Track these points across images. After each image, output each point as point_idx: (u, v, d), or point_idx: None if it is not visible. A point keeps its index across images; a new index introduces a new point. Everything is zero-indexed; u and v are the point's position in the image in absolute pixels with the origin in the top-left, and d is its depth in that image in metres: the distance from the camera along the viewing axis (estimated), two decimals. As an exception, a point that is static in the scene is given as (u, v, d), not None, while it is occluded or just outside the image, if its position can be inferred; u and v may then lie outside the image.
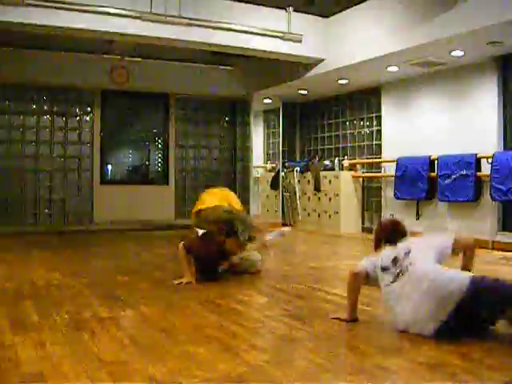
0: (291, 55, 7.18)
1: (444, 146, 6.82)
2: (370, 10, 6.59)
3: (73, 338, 2.58)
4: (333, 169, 8.57)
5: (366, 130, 8.50)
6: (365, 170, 8.47)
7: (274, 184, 9.44)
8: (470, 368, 2.21)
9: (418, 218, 7.13)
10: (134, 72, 8.50)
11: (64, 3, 5.66)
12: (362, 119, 8.58)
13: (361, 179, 8.42)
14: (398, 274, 2.73)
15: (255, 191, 9.82)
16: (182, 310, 3.20)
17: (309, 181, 8.82)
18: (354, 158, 8.62)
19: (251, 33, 6.71)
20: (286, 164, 9.57)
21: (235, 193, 5.41)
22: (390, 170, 7.73)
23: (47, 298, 3.45)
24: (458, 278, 2.60)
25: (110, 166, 9.19)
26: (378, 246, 3.16)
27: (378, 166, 8.19)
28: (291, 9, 6.94)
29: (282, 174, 9.42)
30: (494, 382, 2.06)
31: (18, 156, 8.23)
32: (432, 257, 2.78)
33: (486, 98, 6.42)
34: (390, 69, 6.96)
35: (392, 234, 3.12)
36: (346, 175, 8.28)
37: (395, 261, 2.79)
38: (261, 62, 8.57)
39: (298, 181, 9.03)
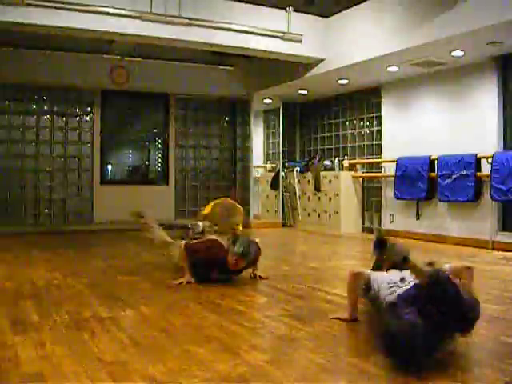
0: (291, 55, 7.18)
1: (444, 146, 6.82)
2: (370, 10, 6.59)
3: (73, 338, 2.58)
4: (333, 169, 8.57)
5: (366, 129, 8.50)
6: (365, 170, 8.47)
7: (274, 184, 9.44)
8: (470, 368, 2.21)
9: (418, 218, 7.13)
10: (133, 72, 8.49)
11: (64, 3, 5.66)
12: (362, 119, 8.58)
13: (361, 179, 8.42)
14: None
15: (255, 191, 9.82)
16: (182, 310, 3.20)
17: (309, 181, 8.82)
18: (354, 158, 8.62)
19: (251, 33, 6.71)
20: (286, 164, 9.57)
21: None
22: (390, 170, 7.73)
23: (47, 298, 3.45)
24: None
25: (109, 166, 9.19)
26: (386, 268, 2.92)
27: (378, 166, 8.19)
28: (291, 9, 6.94)
29: (282, 173, 9.42)
30: (494, 382, 2.06)
31: (18, 156, 8.24)
32: None
33: (486, 98, 6.42)
34: (390, 69, 6.96)
35: (396, 260, 2.95)
36: (346, 175, 8.28)
37: (403, 280, 2.65)
38: (261, 62, 8.58)
39: (298, 181, 9.03)
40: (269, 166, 10.11)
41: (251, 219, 9.19)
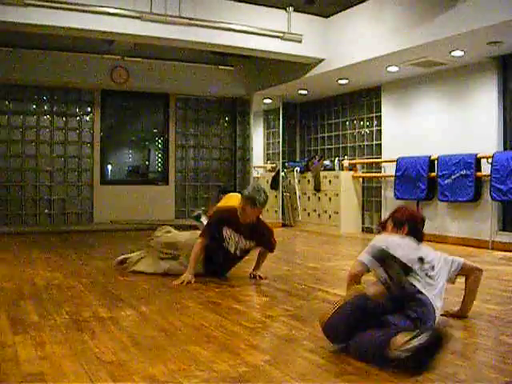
0: (291, 55, 7.18)
1: (444, 146, 6.82)
2: (370, 10, 6.59)
3: (73, 338, 2.58)
4: (333, 169, 8.57)
5: (366, 129, 8.51)
6: (365, 170, 8.47)
7: (274, 184, 9.44)
8: (470, 368, 2.21)
9: (418, 218, 7.12)
10: (133, 72, 8.50)
11: (64, 3, 5.66)
12: (362, 119, 8.59)
13: (361, 179, 8.42)
14: (426, 283, 2.51)
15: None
16: (182, 310, 3.19)
17: (309, 181, 8.83)
18: (354, 158, 8.62)
19: (251, 33, 6.72)
20: (286, 164, 9.58)
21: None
22: (390, 169, 7.73)
23: (47, 298, 3.45)
24: None
25: (109, 166, 9.20)
26: (397, 228, 2.83)
27: (378, 166, 8.20)
28: (291, 9, 6.94)
29: (281, 173, 9.42)
30: (494, 382, 2.06)
31: (17, 156, 8.24)
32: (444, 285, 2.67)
33: (486, 98, 6.42)
34: (390, 69, 6.96)
35: (421, 227, 2.89)
36: (346, 175, 8.28)
37: (421, 261, 2.56)
38: (261, 62, 8.58)
39: (298, 181, 9.03)
40: (269, 166, 10.11)
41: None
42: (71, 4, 5.70)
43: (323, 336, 2.50)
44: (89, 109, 8.73)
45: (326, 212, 8.43)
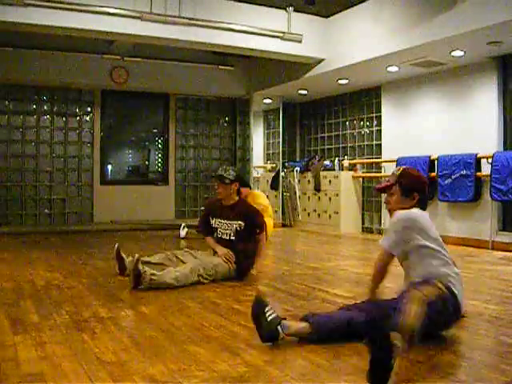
0: (291, 55, 7.18)
1: (444, 146, 6.82)
2: (370, 10, 6.59)
3: (73, 338, 2.58)
4: (333, 169, 8.57)
5: (366, 129, 8.51)
6: (365, 170, 8.47)
7: (274, 184, 9.44)
8: (470, 368, 2.21)
9: (418, 218, 7.12)
10: (133, 72, 8.49)
11: (64, 3, 5.66)
12: (362, 119, 8.58)
13: (361, 179, 8.42)
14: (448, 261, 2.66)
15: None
16: (182, 310, 3.19)
17: (309, 181, 8.82)
18: (354, 158, 8.62)
19: (251, 33, 6.71)
20: (286, 164, 9.57)
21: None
22: (389, 170, 7.73)
23: (47, 298, 3.45)
24: None
25: (109, 166, 9.20)
26: (405, 195, 2.77)
27: (378, 166, 8.20)
28: (291, 9, 6.94)
29: (281, 174, 9.42)
30: (494, 382, 2.06)
31: (17, 156, 8.24)
32: None
33: (486, 98, 6.42)
34: (390, 69, 6.95)
35: (427, 192, 2.87)
36: (346, 175, 8.28)
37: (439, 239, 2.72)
38: (261, 62, 8.58)
39: (298, 181, 9.03)
40: (269, 166, 10.11)
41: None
42: (71, 4, 5.69)
43: (325, 336, 2.50)
44: (89, 109, 8.73)
45: (325, 212, 8.43)
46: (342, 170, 8.42)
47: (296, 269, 4.83)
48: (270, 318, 2.53)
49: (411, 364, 2.20)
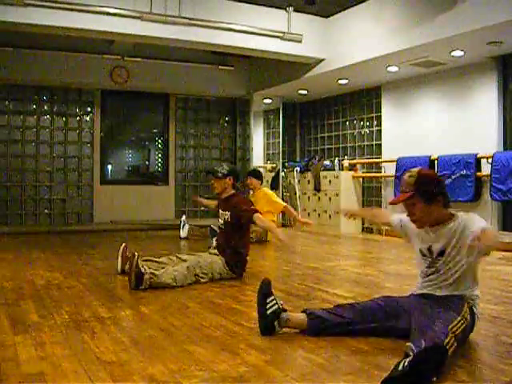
0: (291, 55, 7.18)
1: (444, 146, 6.82)
2: (370, 10, 6.59)
3: (73, 338, 2.58)
4: (333, 169, 8.57)
5: (366, 129, 8.51)
6: (365, 170, 8.47)
7: (274, 184, 9.44)
8: (470, 368, 2.21)
9: (417, 218, 7.12)
10: (133, 72, 8.50)
11: (64, 3, 5.66)
12: (362, 119, 8.59)
13: (361, 179, 8.42)
14: None
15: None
16: (182, 309, 3.19)
17: (309, 181, 8.83)
18: (354, 158, 8.63)
19: (251, 33, 6.72)
20: (286, 164, 9.57)
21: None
22: (390, 169, 7.73)
23: (47, 298, 3.45)
24: None
25: (109, 166, 9.20)
26: (430, 202, 2.50)
27: (378, 166, 8.20)
28: (291, 9, 6.94)
29: (282, 173, 9.42)
30: (494, 382, 2.06)
31: (17, 156, 8.24)
32: None
33: (486, 98, 6.42)
34: (390, 69, 6.96)
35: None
36: (346, 175, 8.28)
37: (430, 251, 2.62)
38: (261, 62, 8.58)
39: (298, 181, 9.04)
40: (269, 166, 10.11)
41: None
42: (71, 4, 5.70)
43: (323, 336, 2.50)
44: (89, 109, 8.73)
45: (325, 212, 8.43)
46: (342, 169, 8.42)
47: (296, 269, 4.83)
48: (270, 311, 2.55)
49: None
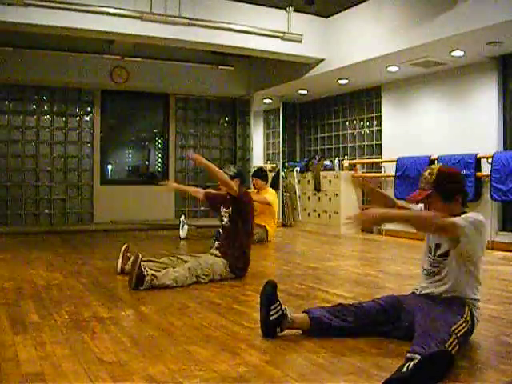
0: (291, 55, 7.18)
1: (444, 146, 6.82)
2: (370, 10, 6.59)
3: (73, 338, 2.58)
4: (333, 169, 8.57)
5: (366, 129, 8.51)
6: (365, 170, 8.47)
7: (274, 184, 9.44)
8: (471, 368, 2.21)
9: (418, 218, 7.12)
10: (133, 72, 8.49)
11: (64, 3, 5.66)
12: (362, 119, 8.58)
13: (361, 179, 8.40)
14: None
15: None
16: (182, 309, 3.19)
17: (309, 181, 8.82)
18: (354, 158, 8.62)
19: (251, 33, 6.71)
20: (286, 164, 9.58)
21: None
22: (390, 169, 7.73)
23: (47, 298, 3.45)
24: None
25: (109, 166, 9.20)
26: (449, 202, 2.49)
27: (378, 166, 8.20)
28: (291, 9, 6.94)
29: (282, 173, 9.42)
30: (495, 382, 2.06)
31: (17, 156, 8.24)
32: None
33: (486, 98, 6.42)
34: (390, 69, 6.96)
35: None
36: (346, 175, 8.28)
37: (438, 247, 2.61)
38: (261, 62, 8.58)
39: (298, 181, 9.03)
40: (269, 166, 10.11)
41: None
42: (71, 4, 5.69)
43: (323, 336, 2.50)
44: (89, 109, 8.73)
45: (325, 212, 8.43)
46: (342, 169, 8.41)
47: (296, 269, 4.83)
48: (273, 317, 2.53)
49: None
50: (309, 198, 8.82)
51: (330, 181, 8.37)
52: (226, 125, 9.82)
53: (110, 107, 8.98)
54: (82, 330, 2.70)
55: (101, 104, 8.76)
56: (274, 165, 9.89)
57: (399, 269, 4.79)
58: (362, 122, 8.61)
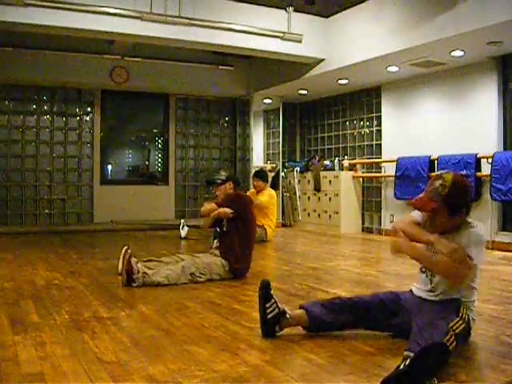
0: (291, 55, 7.18)
1: (444, 146, 6.82)
2: (370, 10, 6.59)
3: (73, 337, 2.58)
4: (333, 169, 8.57)
5: (366, 129, 8.50)
6: (365, 170, 8.47)
7: (274, 184, 9.44)
8: (470, 368, 2.21)
9: (417, 218, 7.12)
10: (133, 72, 8.49)
11: (64, 3, 5.66)
12: (362, 119, 8.58)
13: (361, 179, 8.42)
14: None
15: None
16: (182, 309, 3.19)
17: (309, 181, 8.82)
18: (354, 158, 8.62)
19: (251, 33, 6.71)
20: (286, 164, 9.57)
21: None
22: (390, 170, 7.73)
23: (47, 298, 3.45)
24: None
25: (109, 166, 9.20)
26: (454, 215, 2.44)
27: (378, 166, 8.20)
28: (291, 9, 6.94)
29: (282, 174, 9.42)
30: (495, 382, 2.06)
31: (17, 156, 8.24)
32: None
33: (486, 98, 6.42)
34: (390, 69, 6.95)
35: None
36: (346, 175, 8.28)
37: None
38: (261, 62, 8.58)
39: (298, 181, 9.03)
40: (269, 166, 10.11)
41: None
42: (71, 4, 5.69)
43: (323, 336, 2.50)
44: (89, 109, 8.73)
45: (326, 212, 8.43)
46: (342, 169, 8.41)
47: (296, 269, 4.83)
48: (270, 316, 2.55)
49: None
50: (309, 197, 8.82)
51: (330, 181, 8.38)
52: (225, 125, 9.82)
53: (110, 107, 8.98)
54: (82, 330, 2.70)
55: (101, 104, 8.76)
56: (274, 165, 9.89)
57: (399, 269, 4.79)
58: (361, 122, 8.61)
